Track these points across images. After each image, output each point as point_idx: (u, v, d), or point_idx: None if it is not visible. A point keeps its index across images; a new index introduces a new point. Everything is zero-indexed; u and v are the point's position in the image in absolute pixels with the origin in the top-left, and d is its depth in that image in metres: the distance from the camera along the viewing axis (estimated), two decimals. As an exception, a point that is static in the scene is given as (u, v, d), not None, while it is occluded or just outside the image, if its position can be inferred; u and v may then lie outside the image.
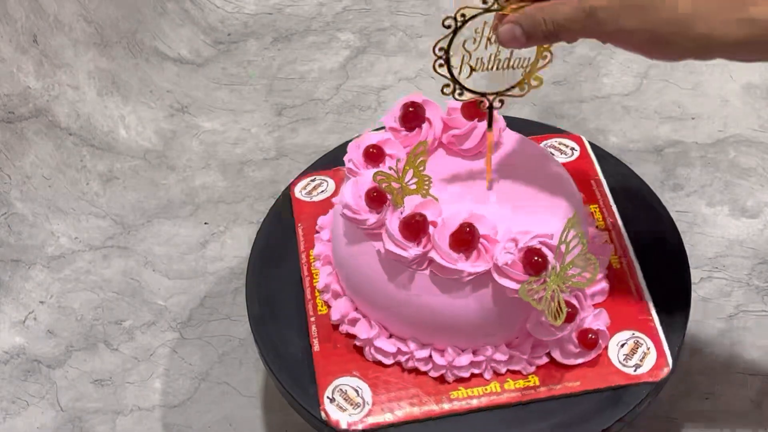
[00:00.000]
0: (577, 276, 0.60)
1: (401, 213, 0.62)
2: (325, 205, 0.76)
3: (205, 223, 0.95)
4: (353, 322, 0.66)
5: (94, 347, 0.86)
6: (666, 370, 0.63)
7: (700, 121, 1.00)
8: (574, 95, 1.04)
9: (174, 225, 0.96)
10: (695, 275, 0.78)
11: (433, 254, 0.60)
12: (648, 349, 0.64)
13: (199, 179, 1.00)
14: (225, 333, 0.85)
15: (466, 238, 0.60)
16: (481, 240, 0.60)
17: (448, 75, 0.61)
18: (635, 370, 0.63)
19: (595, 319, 0.64)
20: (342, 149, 0.78)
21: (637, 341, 0.65)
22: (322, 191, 0.78)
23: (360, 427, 0.62)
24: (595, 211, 0.73)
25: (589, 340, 0.63)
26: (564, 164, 0.72)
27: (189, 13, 1.15)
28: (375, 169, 0.64)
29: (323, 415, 0.63)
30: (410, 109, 0.68)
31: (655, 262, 0.70)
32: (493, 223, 0.61)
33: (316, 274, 0.71)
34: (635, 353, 0.64)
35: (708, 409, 0.76)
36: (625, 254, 0.70)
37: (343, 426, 0.62)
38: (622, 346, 0.65)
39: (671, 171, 0.95)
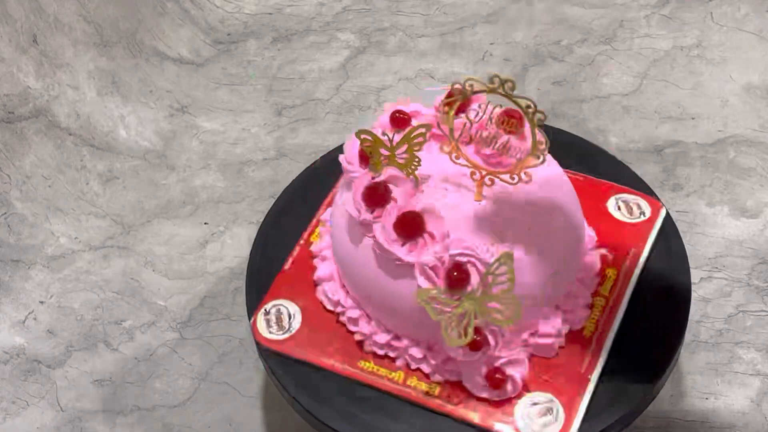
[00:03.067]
0: (494, 313, 0.59)
1: (373, 178, 0.63)
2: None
3: (205, 223, 0.95)
4: (322, 259, 0.70)
5: (94, 347, 0.86)
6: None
7: (700, 121, 1.00)
8: (574, 95, 1.04)
9: (174, 225, 0.96)
10: (695, 275, 0.79)
11: (377, 228, 0.62)
12: (556, 419, 0.62)
13: (199, 179, 1.00)
14: (225, 333, 0.85)
15: (409, 226, 0.61)
16: (426, 235, 0.61)
17: (449, 135, 0.63)
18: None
19: (511, 365, 0.62)
20: (337, 151, 0.78)
21: (550, 408, 0.62)
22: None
23: (271, 348, 0.66)
24: (611, 275, 0.69)
25: (495, 379, 0.61)
26: (620, 222, 0.72)
27: (189, 13, 1.16)
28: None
29: (250, 322, 0.67)
30: (398, 115, 0.68)
31: (655, 262, 0.70)
32: (445, 228, 0.61)
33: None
34: (542, 417, 0.62)
35: (708, 409, 0.76)
36: (612, 312, 0.67)
37: (261, 342, 0.66)
38: (534, 405, 0.62)
39: (671, 171, 0.95)
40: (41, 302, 0.89)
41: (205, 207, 0.97)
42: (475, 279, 0.59)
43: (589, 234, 0.70)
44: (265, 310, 0.68)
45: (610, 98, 1.03)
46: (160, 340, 0.86)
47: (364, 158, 0.65)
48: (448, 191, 0.65)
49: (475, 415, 0.62)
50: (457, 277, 0.59)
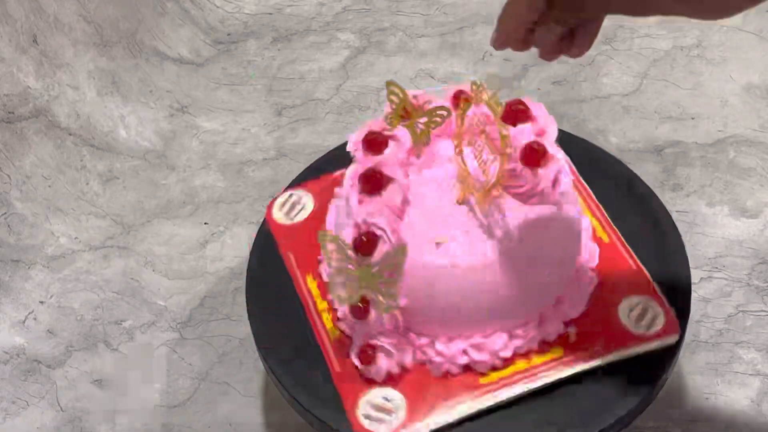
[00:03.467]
0: (378, 294, 0.60)
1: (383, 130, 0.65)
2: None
3: (205, 223, 0.95)
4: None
5: (94, 347, 0.86)
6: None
7: (700, 121, 1.00)
8: (574, 95, 1.04)
9: (174, 225, 0.96)
10: (695, 275, 0.78)
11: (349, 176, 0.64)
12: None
13: (199, 179, 1.00)
14: (225, 333, 0.85)
15: (371, 180, 0.63)
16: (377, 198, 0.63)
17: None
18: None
19: (383, 350, 0.63)
20: (340, 149, 0.78)
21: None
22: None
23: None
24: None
25: (366, 354, 0.63)
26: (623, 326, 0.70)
27: (189, 13, 1.15)
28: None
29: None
30: (372, 136, 0.68)
31: (655, 262, 0.70)
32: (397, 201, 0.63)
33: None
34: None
35: (708, 409, 0.76)
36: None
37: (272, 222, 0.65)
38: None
39: (671, 171, 0.95)
40: (41, 302, 0.89)
41: (205, 207, 0.97)
42: (378, 255, 0.60)
43: (590, 249, 0.70)
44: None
45: (610, 98, 1.03)
46: (160, 340, 0.86)
47: (368, 144, 0.66)
48: (437, 181, 0.65)
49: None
50: (365, 242, 0.60)
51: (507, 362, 0.64)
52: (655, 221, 0.73)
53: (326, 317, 0.68)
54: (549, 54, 0.54)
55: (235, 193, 0.98)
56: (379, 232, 0.61)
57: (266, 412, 0.80)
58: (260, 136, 1.04)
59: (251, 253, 0.74)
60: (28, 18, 0.99)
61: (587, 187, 0.75)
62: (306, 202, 0.76)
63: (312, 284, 0.70)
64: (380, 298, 0.60)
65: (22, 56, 0.98)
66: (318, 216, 0.74)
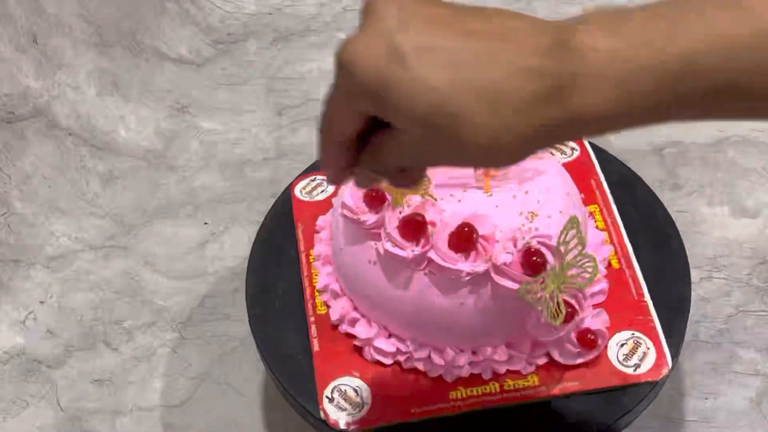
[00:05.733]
0: (576, 276, 0.60)
1: (400, 213, 0.62)
2: (325, 205, 0.76)
3: (205, 223, 0.95)
4: (353, 322, 0.67)
5: (94, 347, 0.86)
6: (666, 370, 0.63)
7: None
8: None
9: (174, 225, 0.96)
10: (695, 275, 0.79)
11: (431, 254, 0.60)
12: (648, 348, 0.64)
13: (199, 179, 1.00)
14: (225, 333, 0.85)
15: (465, 238, 0.60)
16: (480, 240, 0.60)
17: None
18: (635, 370, 0.63)
19: (594, 320, 0.64)
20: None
21: (637, 341, 0.65)
22: (323, 191, 0.78)
23: (357, 427, 0.62)
24: (594, 211, 0.73)
25: (588, 339, 0.63)
26: (564, 164, 0.72)
27: (189, 13, 1.15)
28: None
29: (322, 414, 0.63)
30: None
31: (655, 262, 0.70)
32: (492, 222, 0.61)
33: (316, 275, 0.71)
34: (635, 353, 0.64)
35: (708, 409, 0.76)
36: (625, 254, 0.70)
37: (342, 425, 0.62)
38: (622, 345, 0.65)
39: (671, 171, 0.95)
40: (41, 302, 0.89)
41: (205, 207, 0.97)
42: (548, 256, 0.59)
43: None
44: (328, 398, 0.64)
45: (610, 98, 1.03)
46: (160, 340, 0.86)
47: (371, 201, 0.64)
48: (454, 196, 0.64)
49: (576, 383, 0.63)
50: (536, 261, 0.59)
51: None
52: (655, 221, 0.73)
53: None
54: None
55: (235, 193, 0.98)
56: (536, 243, 0.60)
57: (266, 412, 0.80)
58: (260, 136, 1.04)
59: (252, 251, 0.74)
60: (28, 18, 0.99)
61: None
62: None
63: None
64: (579, 280, 0.60)
65: (22, 56, 0.98)
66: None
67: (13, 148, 0.95)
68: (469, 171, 0.65)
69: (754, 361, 0.79)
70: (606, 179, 0.76)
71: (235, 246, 0.92)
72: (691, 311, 0.67)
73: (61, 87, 1.01)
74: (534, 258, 0.59)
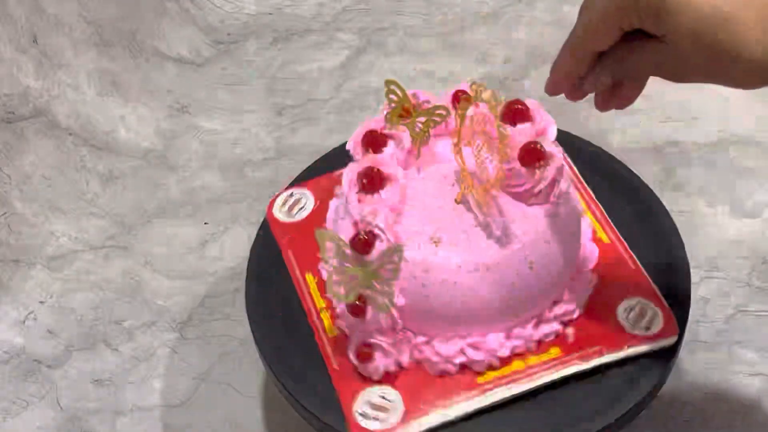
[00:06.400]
0: (374, 291, 0.60)
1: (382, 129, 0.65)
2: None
3: (205, 223, 0.95)
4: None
5: (94, 347, 0.86)
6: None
7: (700, 121, 1.00)
8: (574, 95, 1.04)
9: (174, 225, 0.96)
10: (695, 275, 0.78)
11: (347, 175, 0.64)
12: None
13: (199, 179, 1.00)
14: (225, 333, 0.85)
15: (370, 177, 0.63)
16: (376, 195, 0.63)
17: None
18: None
19: (381, 350, 0.63)
20: (340, 149, 0.78)
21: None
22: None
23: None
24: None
25: (363, 352, 0.63)
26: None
27: (189, 13, 1.16)
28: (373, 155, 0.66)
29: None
30: (371, 135, 0.68)
31: (655, 262, 0.70)
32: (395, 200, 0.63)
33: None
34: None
35: (708, 409, 0.76)
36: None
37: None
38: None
39: (671, 171, 0.95)
40: (41, 302, 0.89)
41: (205, 207, 0.97)
42: (375, 253, 0.60)
43: (591, 250, 0.70)
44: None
45: (610, 98, 1.03)
46: (160, 340, 0.86)
47: (367, 142, 0.66)
48: (435, 180, 0.65)
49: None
50: (362, 240, 0.60)
51: (504, 362, 0.64)
52: (655, 221, 0.73)
53: (325, 316, 0.68)
54: (601, 105, 0.57)
55: (235, 193, 0.98)
56: (377, 231, 0.61)
57: (266, 412, 0.80)
58: (260, 136, 1.04)
59: (251, 253, 0.74)
60: (28, 18, 0.99)
61: (587, 187, 0.75)
62: (307, 200, 0.76)
63: (312, 282, 0.70)
64: (377, 296, 0.60)
65: (22, 56, 0.98)
66: (319, 214, 0.74)
67: (13, 148, 0.95)
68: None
69: (754, 361, 0.79)
70: (606, 179, 0.76)
71: (235, 246, 0.92)
72: (691, 311, 0.67)
73: (61, 87, 1.01)
74: (363, 236, 0.60)
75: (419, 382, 0.63)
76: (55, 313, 0.88)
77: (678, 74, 0.50)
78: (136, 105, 1.05)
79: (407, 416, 0.62)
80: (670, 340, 0.64)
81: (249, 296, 0.71)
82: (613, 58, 0.53)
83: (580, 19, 0.53)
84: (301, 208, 0.76)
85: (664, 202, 0.75)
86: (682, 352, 0.68)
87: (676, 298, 0.67)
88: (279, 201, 0.76)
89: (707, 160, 0.96)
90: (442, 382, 0.63)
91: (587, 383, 0.64)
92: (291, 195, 0.77)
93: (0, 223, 0.92)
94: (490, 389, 0.63)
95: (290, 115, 1.06)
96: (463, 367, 0.64)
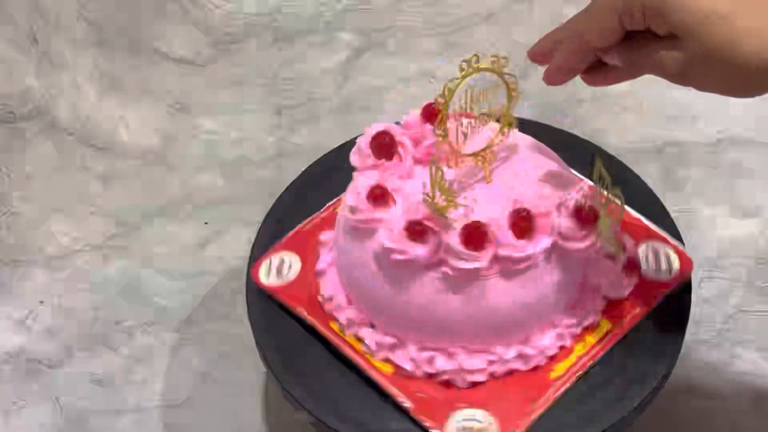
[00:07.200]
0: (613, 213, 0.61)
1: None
2: (298, 287, 0.70)
3: (205, 223, 0.95)
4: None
5: (94, 347, 0.86)
6: (691, 270, 0.67)
7: (700, 121, 1.00)
8: (573, 95, 1.04)
9: (174, 225, 0.96)
10: (695, 275, 0.78)
11: (449, 239, 0.60)
12: (668, 252, 0.68)
13: (199, 179, 1.00)
14: (225, 333, 0.85)
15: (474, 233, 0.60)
16: (538, 219, 0.61)
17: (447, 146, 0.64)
18: (670, 274, 0.67)
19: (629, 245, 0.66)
20: (340, 149, 0.78)
21: (655, 250, 0.68)
22: (290, 266, 0.72)
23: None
24: None
25: (630, 263, 0.65)
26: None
27: (189, 13, 1.15)
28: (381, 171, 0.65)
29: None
30: (384, 139, 0.66)
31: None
32: (536, 199, 0.63)
33: (349, 339, 0.67)
34: (659, 259, 0.68)
35: (708, 409, 0.76)
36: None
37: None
38: (645, 259, 0.68)
39: (671, 171, 0.95)
40: (41, 302, 0.89)
41: (205, 207, 0.97)
42: (593, 203, 0.61)
43: None
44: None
45: (609, 98, 1.03)
46: (160, 340, 0.86)
47: (379, 149, 0.65)
48: (467, 198, 0.64)
49: (638, 310, 0.66)
50: (589, 213, 0.60)
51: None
52: (656, 222, 0.73)
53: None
54: (589, 81, 0.60)
55: (235, 193, 0.98)
56: (576, 199, 0.61)
57: (266, 412, 0.80)
58: (260, 136, 1.04)
59: (252, 253, 0.74)
60: (28, 18, 0.99)
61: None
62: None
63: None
64: (615, 210, 0.61)
65: (22, 56, 0.98)
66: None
67: (13, 148, 0.95)
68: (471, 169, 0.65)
69: (754, 361, 0.79)
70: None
71: (235, 246, 0.92)
72: (691, 311, 0.67)
73: (61, 87, 1.01)
74: (586, 212, 0.60)
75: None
76: (56, 313, 0.88)
77: (678, 75, 0.51)
78: (136, 105, 1.05)
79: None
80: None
81: (249, 296, 0.71)
82: (631, 48, 0.53)
83: (584, 17, 0.54)
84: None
85: (664, 202, 0.75)
86: (683, 353, 0.68)
87: (676, 301, 0.68)
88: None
89: (707, 160, 0.96)
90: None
91: (589, 383, 0.63)
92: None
93: (0, 223, 0.92)
94: (566, 382, 0.63)
95: (290, 115, 1.06)
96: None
